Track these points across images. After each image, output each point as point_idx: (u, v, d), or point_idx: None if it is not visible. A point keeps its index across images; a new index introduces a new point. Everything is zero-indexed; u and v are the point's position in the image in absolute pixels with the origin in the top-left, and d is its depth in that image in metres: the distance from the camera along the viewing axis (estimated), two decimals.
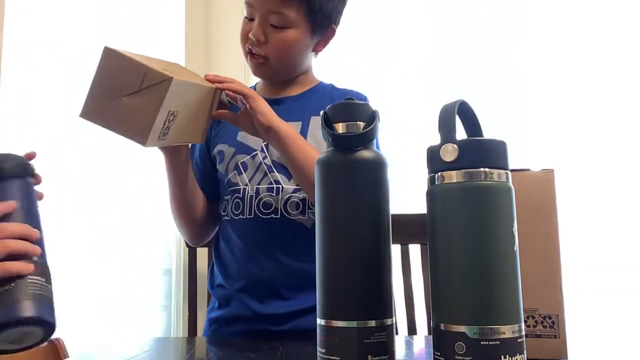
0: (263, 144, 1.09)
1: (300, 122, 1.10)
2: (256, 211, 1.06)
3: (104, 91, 0.79)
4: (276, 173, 1.07)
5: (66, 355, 0.99)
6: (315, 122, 1.09)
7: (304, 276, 1.04)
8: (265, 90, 1.19)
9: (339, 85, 1.21)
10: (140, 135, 0.80)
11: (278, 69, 1.10)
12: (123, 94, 0.78)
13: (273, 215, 1.05)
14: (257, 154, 1.09)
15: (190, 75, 0.92)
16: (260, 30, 1.05)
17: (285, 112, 1.09)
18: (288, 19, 1.04)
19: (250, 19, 1.07)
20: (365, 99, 1.14)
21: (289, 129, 0.98)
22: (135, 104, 0.78)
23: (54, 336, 0.99)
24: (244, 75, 1.74)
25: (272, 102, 1.14)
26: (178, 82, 0.79)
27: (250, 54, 1.09)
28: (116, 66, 0.78)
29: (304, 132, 1.09)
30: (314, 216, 1.05)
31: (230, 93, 0.96)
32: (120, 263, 1.61)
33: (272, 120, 0.96)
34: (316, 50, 1.14)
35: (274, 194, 1.06)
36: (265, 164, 1.08)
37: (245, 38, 1.09)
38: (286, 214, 1.05)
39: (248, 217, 1.07)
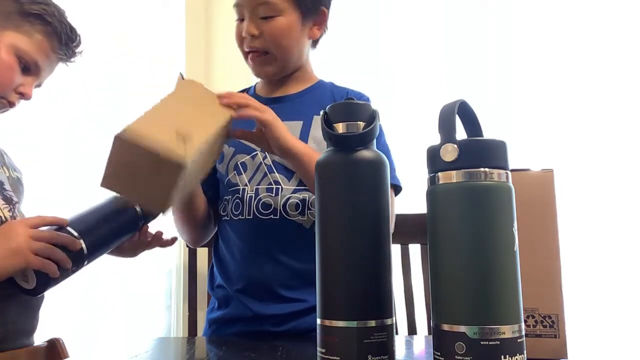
0: None
1: (302, 122, 1.09)
2: (255, 212, 1.06)
3: (119, 170, 0.77)
4: (276, 173, 1.07)
5: (66, 355, 0.99)
6: (317, 122, 1.09)
7: (304, 277, 1.04)
8: (264, 90, 1.18)
9: (339, 84, 1.20)
10: (157, 207, 0.82)
11: (280, 61, 1.10)
12: (138, 175, 0.77)
13: (272, 216, 1.05)
14: (257, 154, 1.09)
15: (205, 107, 0.88)
16: (252, 25, 1.05)
17: (285, 111, 1.08)
18: (275, 7, 1.05)
19: (241, 19, 1.08)
20: (368, 100, 1.14)
21: (305, 147, 0.97)
22: (151, 182, 0.77)
23: (54, 336, 1.00)
24: (244, 76, 1.74)
25: (272, 101, 1.13)
26: (193, 159, 0.77)
27: (250, 54, 1.09)
28: (128, 153, 0.75)
29: (305, 132, 1.08)
30: (314, 217, 1.06)
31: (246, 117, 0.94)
32: (121, 263, 1.61)
33: (288, 143, 0.94)
34: (312, 36, 1.13)
35: (273, 195, 1.06)
36: (266, 164, 1.08)
37: (241, 40, 1.09)
38: (285, 215, 1.05)
39: (247, 217, 1.07)
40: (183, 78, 0.98)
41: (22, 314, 0.96)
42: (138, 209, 0.96)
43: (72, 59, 1.07)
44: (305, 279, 1.03)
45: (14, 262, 0.81)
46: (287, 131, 0.96)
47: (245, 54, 1.10)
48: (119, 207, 0.94)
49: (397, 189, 1.10)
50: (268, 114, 0.93)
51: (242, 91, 1.24)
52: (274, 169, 1.07)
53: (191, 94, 0.89)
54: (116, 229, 0.95)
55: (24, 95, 1.00)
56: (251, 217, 1.06)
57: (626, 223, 1.71)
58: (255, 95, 1.19)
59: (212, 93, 0.91)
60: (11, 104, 1.00)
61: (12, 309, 0.93)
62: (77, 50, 1.06)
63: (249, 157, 1.09)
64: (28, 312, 0.98)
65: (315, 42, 1.18)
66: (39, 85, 1.05)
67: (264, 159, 1.08)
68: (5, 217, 0.96)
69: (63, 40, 1.01)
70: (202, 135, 0.81)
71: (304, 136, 1.08)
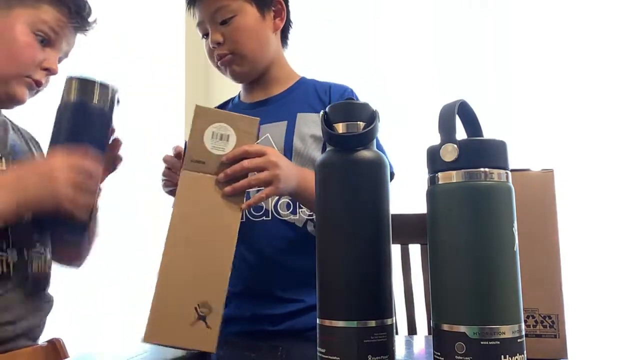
0: None
1: (286, 122, 1.09)
2: (247, 215, 1.06)
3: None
4: None
5: (66, 355, 0.99)
6: (302, 119, 1.09)
7: (300, 276, 1.03)
8: (248, 96, 1.18)
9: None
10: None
11: (248, 59, 1.09)
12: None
13: (264, 218, 1.05)
14: None
15: (213, 216, 0.83)
16: (216, 33, 1.07)
17: (270, 113, 1.09)
18: (230, 8, 1.06)
19: (205, 35, 1.10)
20: (352, 92, 1.14)
21: (306, 183, 0.94)
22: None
23: (54, 336, 1.00)
24: None
25: (256, 105, 1.14)
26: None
27: (219, 61, 1.10)
28: (160, 343, 0.81)
29: (290, 130, 1.08)
30: (306, 215, 1.06)
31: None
32: (121, 264, 1.61)
33: (295, 188, 0.93)
34: (275, 28, 1.14)
35: None
36: None
37: (210, 52, 1.10)
38: (277, 215, 1.05)
39: (240, 221, 1.06)
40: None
41: (30, 317, 0.95)
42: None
43: (88, 28, 1.05)
44: (302, 279, 1.03)
45: (46, 192, 0.82)
46: (289, 186, 0.91)
47: (217, 65, 1.11)
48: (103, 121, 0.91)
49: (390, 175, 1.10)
50: (276, 183, 0.87)
51: (227, 102, 1.23)
52: None
53: (194, 196, 0.83)
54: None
55: (50, 70, 0.99)
56: (244, 220, 1.06)
57: (626, 223, 1.71)
58: (240, 103, 1.19)
59: (212, 178, 0.83)
60: (38, 83, 0.99)
61: (21, 311, 0.93)
62: (90, 19, 1.04)
63: None
64: (37, 315, 0.98)
65: (284, 38, 1.18)
66: (65, 57, 1.04)
67: None
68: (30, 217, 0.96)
69: (72, 8, 1.00)
70: (221, 292, 0.81)
71: (289, 134, 1.08)
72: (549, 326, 0.70)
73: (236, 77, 1.14)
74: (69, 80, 0.89)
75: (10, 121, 1.04)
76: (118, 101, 0.93)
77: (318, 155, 1.07)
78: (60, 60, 1.03)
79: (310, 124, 1.08)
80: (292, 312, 1.03)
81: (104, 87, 0.90)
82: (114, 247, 1.51)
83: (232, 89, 1.27)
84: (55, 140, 0.89)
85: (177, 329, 0.77)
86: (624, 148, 1.76)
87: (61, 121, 0.89)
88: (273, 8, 1.12)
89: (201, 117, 0.82)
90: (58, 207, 0.82)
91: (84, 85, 0.89)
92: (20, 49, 0.95)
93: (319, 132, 1.07)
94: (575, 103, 1.81)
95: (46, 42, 0.98)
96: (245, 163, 0.83)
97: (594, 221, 1.72)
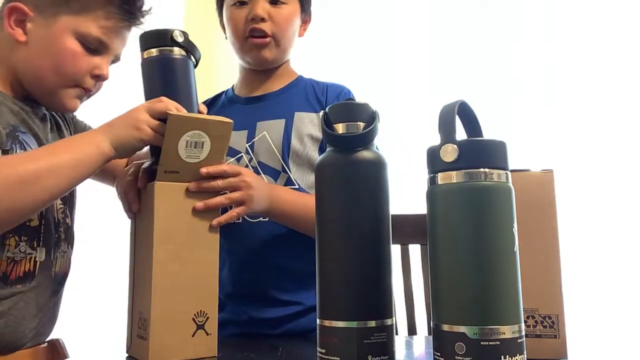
0: (247, 145, 1.07)
1: (284, 120, 1.08)
2: (244, 215, 1.05)
3: None
4: (262, 175, 1.05)
5: (66, 355, 0.99)
6: (300, 118, 1.08)
7: (297, 278, 1.03)
8: (244, 89, 1.15)
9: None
10: None
11: (281, 48, 1.09)
12: None
13: (261, 219, 1.04)
14: (242, 156, 1.07)
15: (194, 233, 0.82)
16: (262, 9, 1.05)
17: (267, 109, 1.08)
18: None
19: (241, 2, 1.07)
20: (349, 92, 1.13)
21: (279, 203, 0.96)
22: None
23: (54, 337, 1.00)
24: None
25: (253, 100, 1.12)
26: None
27: (251, 38, 1.06)
28: None
29: (288, 129, 1.07)
30: None
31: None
32: (121, 265, 1.60)
33: (267, 207, 0.94)
34: (300, 34, 1.15)
35: None
36: (252, 167, 1.06)
37: (243, 23, 1.06)
38: None
39: (236, 221, 1.04)
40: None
41: (46, 320, 0.95)
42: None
43: (140, 20, 0.98)
44: (299, 280, 1.02)
45: (132, 132, 0.81)
46: (262, 202, 0.92)
47: (245, 39, 1.07)
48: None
49: None
50: (248, 203, 0.88)
51: (220, 94, 1.22)
52: (260, 171, 1.05)
53: (173, 207, 0.81)
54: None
55: (100, 77, 0.95)
56: (240, 220, 1.04)
57: (626, 223, 1.71)
58: (235, 97, 1.17)
59: (188, 199, 0.82)
60: (87, 90, 0.95)
61: (40, 313, 0.93)
62: (143, 9, 0.98)
63: (233, 159, 1.07)
64: (51, 320, 0.98)
65: None
66: (117, 60, 1.00)
67: (249, 161, 1.06)
68: (57, 218, 0.95)
69: (122, 7, 0.94)
70: (213, 297, 0.81)
71: (287, 134, 1.07)
72: (549, 326, 0.70)
73: (260, 61, 1.10)
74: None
75: (50, 115, 1.01)
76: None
77: (316, 156, 1.06)
78: (115, 61, 1.00)
79: (308, 124, 1.07)
80: (290, 314, 1.02)
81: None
82: (115, 248, 1.51)
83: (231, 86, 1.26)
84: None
85: (181, 343, 0.78)
86: (623, 148, 1.76)
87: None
88: (306, 15, 1.15)
89: (175, 127, 0.78)
90: (140, 135, 0.81)
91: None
92: (67, 59, 0.91)
93: (316, 132, 1.07)
94: (575, 103, 1.81)
95: (94, 50, 0.93)
96: (220, 182, 0.84)
97: (593, 221, 1.72)
